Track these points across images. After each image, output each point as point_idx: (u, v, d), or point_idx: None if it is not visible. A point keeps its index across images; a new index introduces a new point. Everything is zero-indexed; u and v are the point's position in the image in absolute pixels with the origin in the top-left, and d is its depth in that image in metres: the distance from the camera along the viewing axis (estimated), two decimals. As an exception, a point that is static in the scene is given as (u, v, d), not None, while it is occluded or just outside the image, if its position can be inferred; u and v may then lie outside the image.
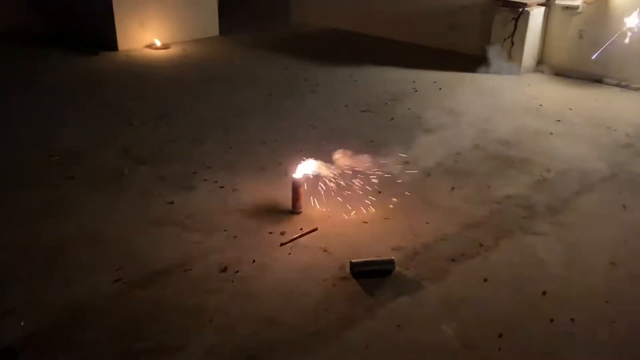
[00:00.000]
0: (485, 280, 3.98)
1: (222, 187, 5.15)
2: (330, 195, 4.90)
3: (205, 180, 5.26)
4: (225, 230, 4.48)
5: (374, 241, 4.36)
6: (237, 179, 5.27)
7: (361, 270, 3.98)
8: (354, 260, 4.01)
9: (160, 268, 4.03)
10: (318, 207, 4.75)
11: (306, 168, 4.84)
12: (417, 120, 6.72)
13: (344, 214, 4.71)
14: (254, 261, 4.13)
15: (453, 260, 4.18)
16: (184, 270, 4.01)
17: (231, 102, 7.23)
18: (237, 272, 4.01)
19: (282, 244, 4.31)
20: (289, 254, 4.22)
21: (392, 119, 6.78)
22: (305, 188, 4.80)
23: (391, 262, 4.03)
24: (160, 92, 7.48)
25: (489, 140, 6.12)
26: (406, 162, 5.61)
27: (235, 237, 4.41)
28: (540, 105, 7.27)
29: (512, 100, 7.41)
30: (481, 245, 4.36)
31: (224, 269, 4.02)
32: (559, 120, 6.76)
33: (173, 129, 6.41)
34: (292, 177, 4.72)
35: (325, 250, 4.25)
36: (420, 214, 4.76)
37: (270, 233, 4.46)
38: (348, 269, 4.01)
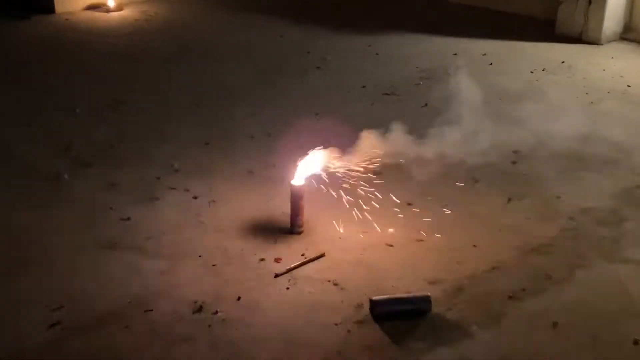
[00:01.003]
0: (555, 325, 3.96)
1: (195, 197, 5.16)
2: (343, 207, 4.89)
3: (172, 188, 5.28)
4: (199, 257, 4.48)
5: (402, 272, 4.37)
6: (215, 186, 5.29)
7: (385, 311, 3.97)
8: (375, 298, 4.00)
9: (111, 308, 4.02)
10: (326, 224, 4.72)
11: (309, 166, 4.82)
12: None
13: (360, 234, 4.70)
14: (239, 298, 4.12)
15: (511, 297, 4.16)
16: (143, 311, 4.00)
17: (208, 83, 7.25)
18: (216, 313, 4.00)
19: (277, 275, 4.31)
20: (287, 288, 4.22)
21: (426, 104, 6.80)
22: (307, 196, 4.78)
23: (426, 300, 4.02)
24: (112, 70, 7.51)
25: (558, 133, 6.10)
26: (442, 156, 5.58)
27: (214, 265, 4.42)
28: (629, 86, 7.26)
29: (589, 79, 7.41)
30: (549, 277, 4.34)
31: (199, 309, 4.02)
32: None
33: (129, 119, 6.43)
34: (290, 184, 4.72)
35: (336, 284, 4.25)
36: (465, 234, 4.75)
37: (262, 260, 4.47)
38: (368, 309, 3.99)
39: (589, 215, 4.98)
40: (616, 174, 5.53)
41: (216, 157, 5.75)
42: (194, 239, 4.66)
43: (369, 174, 5.15)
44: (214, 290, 4.19)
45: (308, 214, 4.75)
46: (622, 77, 7.43)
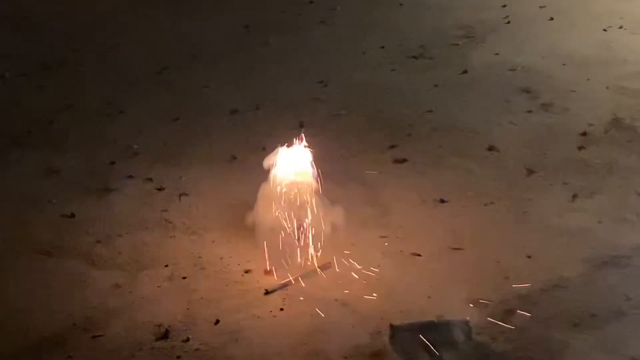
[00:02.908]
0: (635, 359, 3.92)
1: (160, 189, 5.16)
2: (356, 202, 4.85)
3: (130, 177, 5.29)
4: (166, 266, 4.48)
5: (433, 289, 4.33)
6: (187, 175, 5.28)
7: (411, 341, 3.93)
8: (397, 324, 3.98)
9: (49, 332, 4.01)
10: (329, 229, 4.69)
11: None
12: (510, 75, 6.71)
13: (379, 238, 4.69)
14: (217, 322, 4.11)
15: (577, 325, 4.11)
16: (91, 337, 3.99)
17: (178, 40, 7.21)
18: (187, 340, 3.99)
19: (267, 292, 4.30)
20: (282, 309, 4.21)
21: (466, 71, 6.80)
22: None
23: (464, 327, 3.99)
24: (51, 20, 7.48)
25: (638, 109, 6.06)
26: (490, 149, 5.61)
27: (184, 278, 4.41)
28: None
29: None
30: (628, 299, 4.28)
31: (164, 335, 4.01)
32: None
33: (74, 85, 6.40)
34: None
35: (345, 304, 4.22)
36: (516, 239, 4.72)
37: (247, 272, 4.47)
38: (388, 338, 3.96)
39: (682, 218, 4.91)
40: None
41: (188, 137, 5.75)
42: (159, 243, 4.65)
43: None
44: (184, 310, 4.17)
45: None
46: None
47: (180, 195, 5.06)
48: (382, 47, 7.15)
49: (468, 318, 4.05)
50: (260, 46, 7.08)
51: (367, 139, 5.69)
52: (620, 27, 7.63)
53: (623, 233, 4.81)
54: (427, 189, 5.16)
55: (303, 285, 4.38)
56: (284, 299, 4.28)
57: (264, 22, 7.58)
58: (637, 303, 4.28)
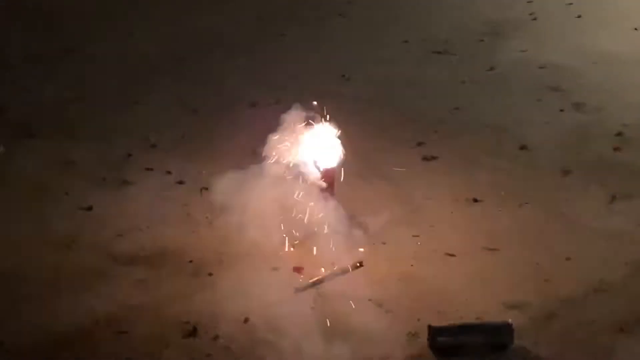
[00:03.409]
0: (684, 367, 3.92)
1: (180, 182, 5.16)
2: (384, 199, 4.85)
3: (149, 169, 5.27)
4: (190, 262, 4.46)
5: (470, 291, 4.33)
6: (207, 168, 5.23)
7: (451, 344, 3.92)
8: (437, 326, 3.95)
9: (71, 329, 4.00)
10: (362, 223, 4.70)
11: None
12: (539, 73, 6.70)
13: (411, 237, 4.69)
14: (246, 320, 4.09)
15: (623, 330, 4.10)
16: (115, 333, 3.98)
17: (194, 31, 7.19)
18: (216, 338, 3.98)
19: (298, 290, 4.30)
20: (312, 308, 4.20)
21: (492, 68, 6.80)
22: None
23: (506, 330, 3.96)
24: (62, 10, 7.49)
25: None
26: (522, 147, 5.62)
27: (211, 274, 4.41)
28: None
29: None
30: (675, 304, 4.30)
31: (192, 332, 4.00)
32: None
33: (86, 74, 6.38)
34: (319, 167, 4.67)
35: (379, 305, 4.21)
36: (554, 241, 4.73)
37: (275, 269, 4.46)
38: (426, 340, 3.95)
39: None
40: None
41: (206, 130, 5.71)
42: (182, 238, 4.63)
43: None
44: (212, 308, 4.14)
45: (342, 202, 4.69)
46: None
47: (201, 189, 4.99)
48: (405, 41, 7.15)
49: (510, 320, 4.01)
50: (275, 38, 7.04)
51: (393, 135, 5.68)
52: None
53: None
54: (459, 187, 5.17)
55: (334, 284, 4.37)
56: (315, 298, 4.25)
57: (278, 11, 7.55)
58: (683, 308, 4.26)
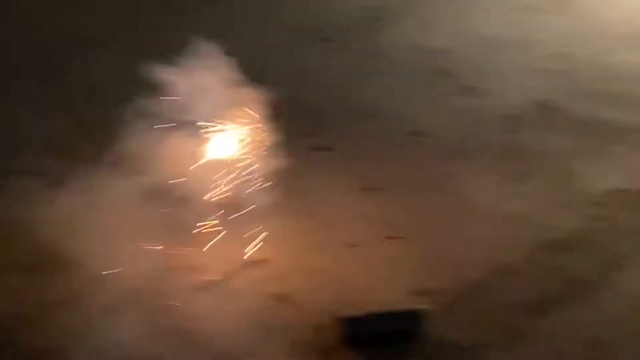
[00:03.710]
0: (593, 342, 4.02)
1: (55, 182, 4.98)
2: (278, 192, 4.83)
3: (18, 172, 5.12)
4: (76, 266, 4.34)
5: (375, 280, 4.38)
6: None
7: (362, 334, 3.95)
8: (347, 316, 3.98)
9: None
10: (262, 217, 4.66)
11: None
12: (425, 58, 6.82)
13: (309, 228, 4.72)
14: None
15: (531, 309, 4.21)
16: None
17: (55, 26, 7.07)
18: None
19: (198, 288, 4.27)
20: (217, 306, 4.19)
21: (379, 54, 6.89)
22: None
23: (416, 317, 4.01)
24: None
25: (566, 92, 6.25)
26: (415, 133, 5.69)
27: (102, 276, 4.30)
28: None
29: (595, 21, 7.59)
30: (578, 281, 4.41)
31: None
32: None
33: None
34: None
35: (283, 299, 4.21)
36: (456, 226, 4.82)
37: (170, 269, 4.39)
38: (337, 331, 3.98)
39: (620, 199, 5.11)
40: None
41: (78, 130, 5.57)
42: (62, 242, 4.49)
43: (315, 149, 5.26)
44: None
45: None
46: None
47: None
48: (287, 29, 7.08)
49: (419, 307, 4.05)
50: (148, 33, 6.92)
51: (282, 126, 5.62)
52: (529, 8, 7.83)
53: (565, 216, 4.96)
54: (355, 177, 5.21)
55: (239, 280, 4.38)
56: (218, 295, 4.25)
57: (147, 6, 7.44)
58: (589, 286, 4.40)
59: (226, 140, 4.75)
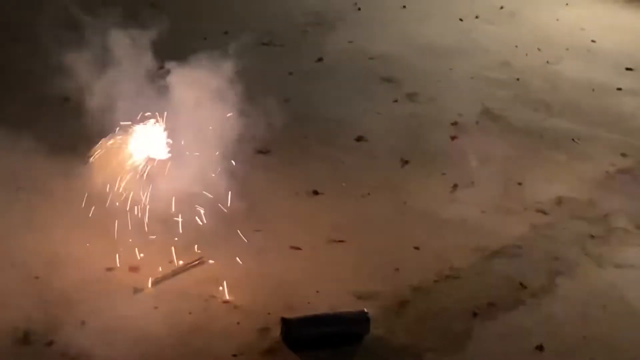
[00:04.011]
0: (540, 348, 4.15)
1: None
2: (220, 194, 4.89)
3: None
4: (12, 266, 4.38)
5: (319, 283, 4.45)
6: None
7: (305, 336, 4.02)
8: (290, 318, 4.04)
9: None
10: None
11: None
12: (368, 64, 6.98)
13: (253, 232, 4.76)
14: (83, 323, 4.07)
15: (476, 314, 4.34)
16: None
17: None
18: (51, 343, 3.93)
19: (138, 290, 4.31)
20: (156, 308, 4.21)
21: (320, 60, 6.99)
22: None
23: (361, 319, 4.10)
24: None
25: (510, 100, 6.44)
26: (358, 139, 5.83)
27: (37, 277, 4.33)
28: (593, 41, 7.73)
29: (539, 31, 7.83)
30: (523, 286, 4.55)
31: (24, 339, 3.94)
32: (630, 69, 7.24)
33: None
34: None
35: (226, 301, 4.27)
36: (400, 230, 4.95)
37: (110, 270, 4.43)
38: (279, 333, 4.04)
39: (563, 207, 5.28)
40: (592, 154, 5.88)
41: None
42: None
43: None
44: (43, 312, 4.10)
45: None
46: (582, 29, 7.90)
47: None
48: (226, 32, 7.13)
49: (365, 310, 4.13)
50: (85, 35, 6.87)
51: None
52: (477, 17, 8.04)
53: (508, 223, 5.10)
54: (297, 180, 5.29)
55: (175, 282, 4.41)
56: (156, 297, 4.26)
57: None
58: (534, 291, 4.54)
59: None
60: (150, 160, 4.69)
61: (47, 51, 5.32)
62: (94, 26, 5.29)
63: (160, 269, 4.46)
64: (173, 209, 4.66)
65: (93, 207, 4.66)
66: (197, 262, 4.52)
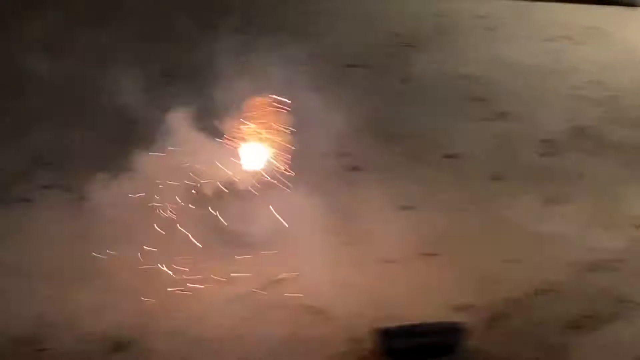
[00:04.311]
0: (641, 361, 4.08)
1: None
2: (312, 209, 4.91)
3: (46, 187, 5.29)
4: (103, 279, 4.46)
5: (413, 295, 4.44)
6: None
7: (400, 346, 3.99)
8: (385, 328, 4.02)
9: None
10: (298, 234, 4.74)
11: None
12: (457, 84, 6.97)
13: (343, 245, 4.79)
14: (174, 332, 4.15)
15: (573, 327, 4.27)
16: (36, 350, 3.99)
17: None
18: (144, 351, 4.02)
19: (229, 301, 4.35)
20: (246, 318, 4.27)
21: (407, 80, 7.02)
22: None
23: (456, 330, 4.06)
24: None
25: (604, 118, 6.36)
26: (448, 156, 5.82)
27: (129, 289, 4.43)
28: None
29: (630, 50, 7.72)
30: (621, 301, 4.47)
31: (118, 346, 4.04)
32: None
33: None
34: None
35: (318, 312, 4.29)
36: (493, 245, 4.90)
37: (200, 281, 4.48)
38: (373, 344, 4.02)
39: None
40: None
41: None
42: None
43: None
44: (136, 321, 4.20)
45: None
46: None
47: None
48: (312, 56, 7.14)
49: (459, 321, 4.09)
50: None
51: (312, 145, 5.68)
52: (565, 37, 7.94)
53: (605, 237, 5.02)
54: (387, 196, 5.27)
55: (266, 294, 4.44)
56: (247, 307, 4.31)
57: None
58: (632, 305, 4.43)
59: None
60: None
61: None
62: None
63: (252, 280, 4.50)
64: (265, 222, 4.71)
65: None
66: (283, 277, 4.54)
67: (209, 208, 4.78)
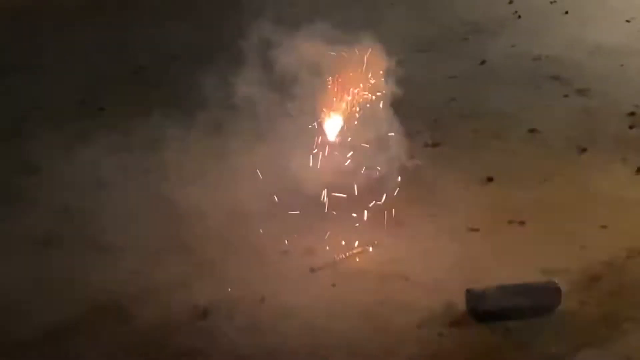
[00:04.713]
0: None
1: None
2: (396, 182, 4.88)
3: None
4: (190, 252, 4.46)
5: (502, 260, 4.37)
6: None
7: (493, 307, 3.91)
8: (478, 290, 3.97)
9: (75, 317, 4.00)
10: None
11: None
12: (533, 64, 6.92)
13: (429, 215, 4.77)
14: (262, 299, 4.11)
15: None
16: (122, 320, 3.99)
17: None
18: (231, 318, 4.00)
19: (314, 270, 4.32)
20: (333, 285, 4.23)
21: (483, 62, 6.96)
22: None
23: (552, 290, 3.98)
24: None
25: None
26: (531, 130, 5.75)
27: (214, 261, 4.40)
28: None
29: None
30: None
31: (203, 315, 4.01)
32: None
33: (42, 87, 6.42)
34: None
35: (406, 278, 4.24)
36: (583, 212, 4.81)
37: (284, 253, 4.49)
38: (464, 307, 3.98)
39: None
40: None
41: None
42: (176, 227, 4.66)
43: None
44: (222, 292, 4.18)
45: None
46: None
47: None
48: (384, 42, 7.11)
49: (556, 280, 4.01)
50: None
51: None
52: (644, 18, 7.84)
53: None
54: (470, 169, 5.27)
55: (352, 262, 4.43)
56: (334, 276, 4.28)
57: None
58: None
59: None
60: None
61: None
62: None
63: (337, 251, 4.48)
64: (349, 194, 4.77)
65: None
66: (362, 250, 4.51)
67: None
